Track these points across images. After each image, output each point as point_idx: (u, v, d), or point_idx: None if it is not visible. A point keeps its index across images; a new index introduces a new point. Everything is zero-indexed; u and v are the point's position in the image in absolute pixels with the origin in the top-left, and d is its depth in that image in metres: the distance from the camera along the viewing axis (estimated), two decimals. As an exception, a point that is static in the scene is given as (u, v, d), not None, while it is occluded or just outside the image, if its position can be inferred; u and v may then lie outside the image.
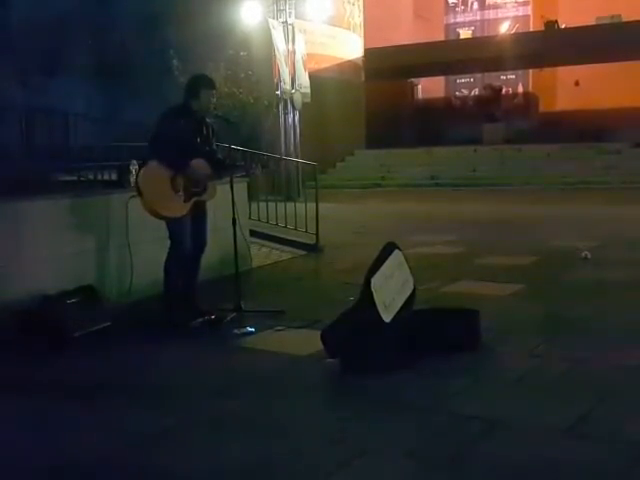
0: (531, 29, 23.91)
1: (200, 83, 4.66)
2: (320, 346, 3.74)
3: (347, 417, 3.11)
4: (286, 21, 14.34)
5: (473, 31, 25.96)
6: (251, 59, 14.59)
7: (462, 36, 25.79)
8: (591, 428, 2.87)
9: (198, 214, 4.71)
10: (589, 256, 6.63)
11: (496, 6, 25.58)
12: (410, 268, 4.16)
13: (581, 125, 18.70)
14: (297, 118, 14.77)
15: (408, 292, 4.03)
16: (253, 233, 7.14)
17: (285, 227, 8.01)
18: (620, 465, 2.54)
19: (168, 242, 4.65)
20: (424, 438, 2.82)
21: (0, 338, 4.05)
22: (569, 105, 22.14)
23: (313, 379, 3.60)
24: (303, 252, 7.63)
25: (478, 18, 26.10)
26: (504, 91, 24.29)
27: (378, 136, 19.64)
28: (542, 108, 24.16)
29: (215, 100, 4.76)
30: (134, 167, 5.32)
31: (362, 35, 20.07)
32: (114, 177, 6.01)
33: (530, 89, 25.12)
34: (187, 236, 4.62)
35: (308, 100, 14.71)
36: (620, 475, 2.48)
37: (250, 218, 7.22)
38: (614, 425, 2.87)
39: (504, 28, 24.91)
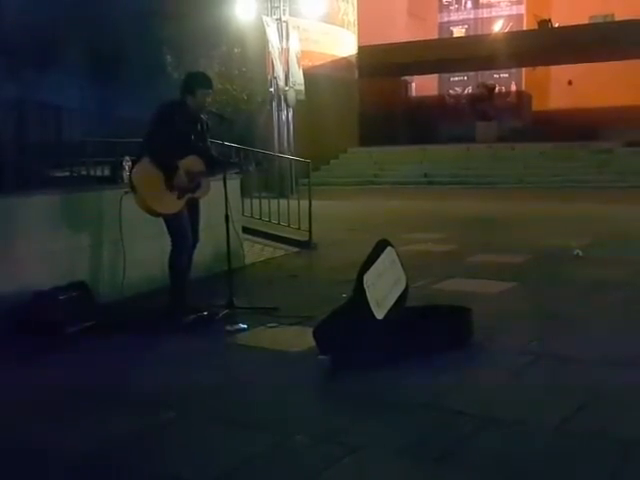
0: (524, 28, 23.98)
1: (197, 81, 4.64)
2: (312, 343, 3.74)
3: (340, 414, 3.12)
4: (280, 18, 14.31)
5: (466, 29, 26.01)
6: (245, 56, 14.56)
7: (455, 34, 25.84)
8: (582, 425, 2.88)
9: (191, 211, 4.70)
10: (581, 254, 6.67)
11: (489, 5, 25.63)
12: (403, 265, 4.17)
13: (574, 124, 18.78)
14: (291, 115, 14.76)
15: (401, 289, 4.03)
16: (246, 230, 7.13)
17: (278, 224, 8.01)
18: (610, 462, 2.55)
19: (162, 239, 4.64)
20: (417, 435, 2.83)
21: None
22: (562, 104, 22.23)
23: (305, 376, 3.60)
24: (296, 249, 7.63)
25: (471, 17, 26.15)
26: (497, 90, 24.37)
27: (371, 134, 19.66)
28: (535, 107, 24.25)
29: (210, 99, 4.75)
30: (127, 163, 5.30)
31: (356, 33, 20.06)
32: (107, 173, 5.99)
33: (523, 88, 25.21)
34: (187, 231, 4.62)
35: (303, 97, 14.69)
36: (610, 472, 2.49)
37: (243, 215, 7.21)
38: (605, 423, 2.89)
39: (497, 27, 24.97)
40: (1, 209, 4.54)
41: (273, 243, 7.79)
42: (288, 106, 14.64)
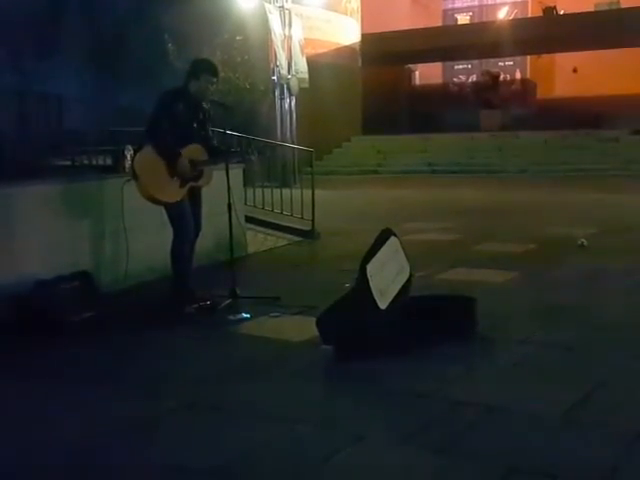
0: (529, 15, 23.79)
1: (203, 67, 4.62)
2: (315, 332, 3.73)
3: (343, 403, 3.11)
4: (283, 6, 14.21)
5: (471, 17, 25.81)
6: (247, 44, 14.46)
7: (460, 22, 25.62)
8: (585, 415, 2.87)
9: (193, 200, 4.68)
10: (585, 243, 6.63)
11: (494, -8, 25.43)
12: (406, 255, 4.14)
13: (579, 112, 18.62)
14: (293, 104, 14.68)
15: (404, 279, 4.01)
16: (249, 219, 7.12)
17: (281, 213, 7.98)
18: (613, 453, 2.53)
19: (165, 228, 4.62)
20: (419, 424, 2.81)
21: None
22: (567, 92, 22.06)
23: (308, 365, 3.59)
24: (299, 238, 7.61)
25: (476, 4, 25.94)
26: (502, 78, 24.16)
27: (375, 122, 19.53)
28: (540, 95, 24.07)
29: (214, 88, 4.71)
30: (129, 152, 5.28)
31: (359, 20, 19.89)
32: (109, 162, 5.97)
33: (528, 76, 25.02)
34: (189, 220, 4.59)
35: (306, 85, 14.60)
36: (614, 463, 2.47)
37: (246, 204, 7.19)
38: (609, 413, 2.87)
39: (502, 14, 24.77)
40: (3, 199, 4.53)
41: (276, 232, 7.77)
42: (291, 94, 14.56)
